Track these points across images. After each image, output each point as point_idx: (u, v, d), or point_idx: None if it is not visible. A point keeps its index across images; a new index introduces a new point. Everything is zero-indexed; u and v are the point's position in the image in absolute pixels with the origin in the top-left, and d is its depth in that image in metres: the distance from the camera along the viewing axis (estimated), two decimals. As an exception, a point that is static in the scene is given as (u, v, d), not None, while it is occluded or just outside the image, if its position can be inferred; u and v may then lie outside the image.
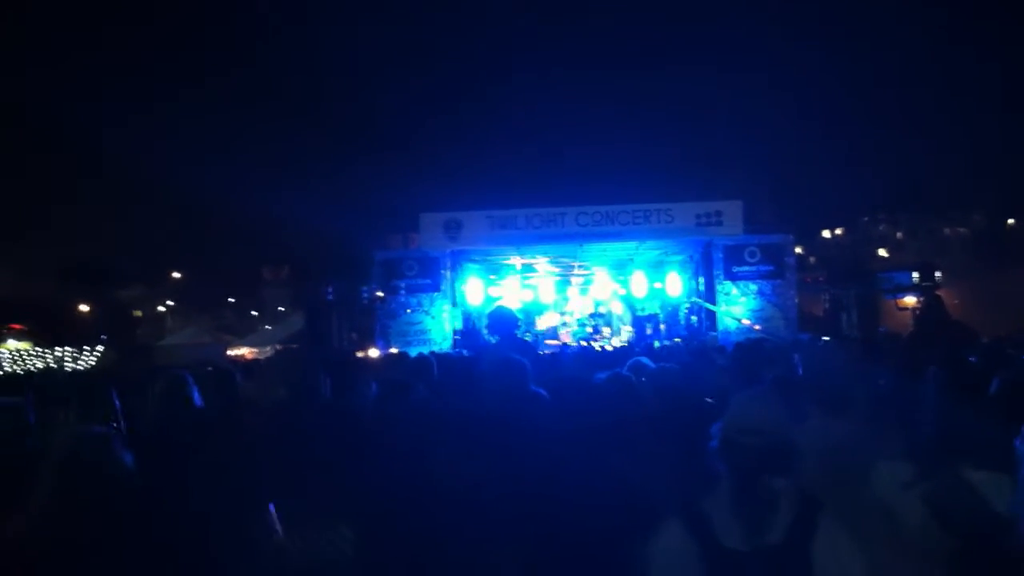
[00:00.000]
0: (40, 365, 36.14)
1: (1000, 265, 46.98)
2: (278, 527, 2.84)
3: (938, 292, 21.39)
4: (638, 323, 26.28)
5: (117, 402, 5.15)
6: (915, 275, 25.66)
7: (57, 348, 38.52)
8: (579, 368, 8.04)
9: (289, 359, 4.34)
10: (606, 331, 25.97)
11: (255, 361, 17.68)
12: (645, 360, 6.63)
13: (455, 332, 25.29)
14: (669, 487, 3.55)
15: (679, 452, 3.95)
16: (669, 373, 5.46)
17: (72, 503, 3.41)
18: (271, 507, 3.09)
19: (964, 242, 68.92)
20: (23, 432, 4.76)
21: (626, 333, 25.80)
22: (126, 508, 3.39)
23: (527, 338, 22.79)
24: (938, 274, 25.95)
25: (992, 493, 2.85)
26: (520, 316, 17.66)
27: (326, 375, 4.28)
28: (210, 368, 8.31)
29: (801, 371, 5.31)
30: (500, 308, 11.62)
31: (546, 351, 18.22)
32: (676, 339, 22.83)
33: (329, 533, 2.84)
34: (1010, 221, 65.26)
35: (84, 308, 54.03)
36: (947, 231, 74.14)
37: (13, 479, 3.66)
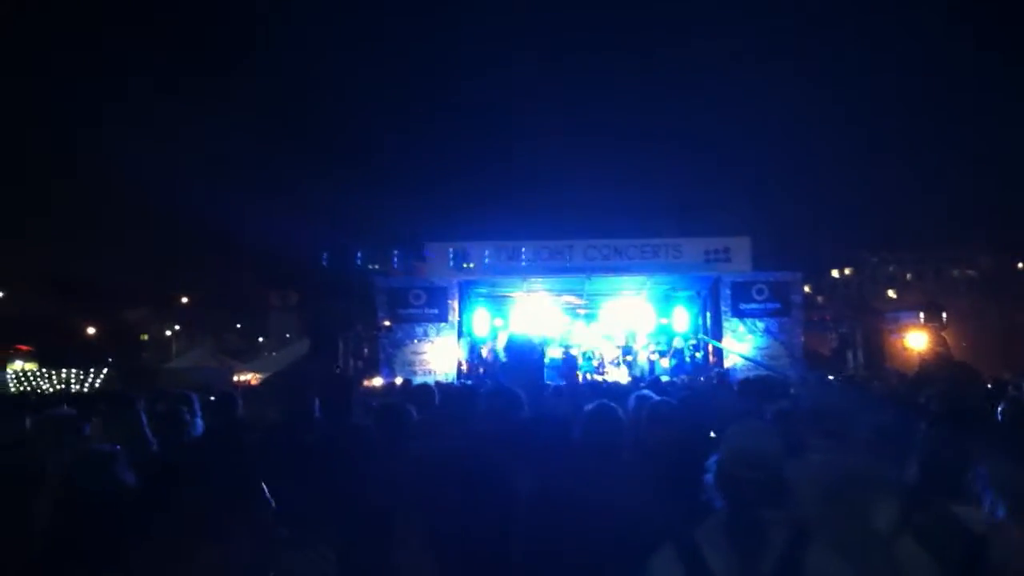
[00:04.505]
0: (46, 386, 36.16)
1: (1007, 307, 46.89)
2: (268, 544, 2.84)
3: (944, 332, 21.35)
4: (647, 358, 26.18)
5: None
6: (921, 315, 25.61)
7: (63, 369, 38.55)
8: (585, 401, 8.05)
9: (282, 382, 4.33)
10: (611, 365, 25.83)
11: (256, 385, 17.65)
12: (649, 393, 6.64)
13: (468, 362, 25.30)
14: (664, 517, 3.55)
15: (675, 483, 3.95)
16: (667, 406, 5.46)
17: (72, 520, 3.44)
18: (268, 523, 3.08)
19: (972, 284, 68.80)
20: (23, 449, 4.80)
21: (637, 366, 25.60)
22: (126, 525, 3.41)
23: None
24: (944, 315, 25.90)
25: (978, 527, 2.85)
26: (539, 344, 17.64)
27: (318, 398, 4.29)
28: (213, 392, 8.34)
29: (803, 406, 5.31)
30: (515, 335, 11.68)
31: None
32: (683, 376, 22.80)
33: (312, 553, 2.83)
34: (1020, 265, 65.16)
35: (91, 330, 54.18)
36: (955, 273, 74.05)
37: (18, 495, 3.69)
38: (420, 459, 3.58)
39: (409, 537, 2.93)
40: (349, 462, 3.20)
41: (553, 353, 25.04)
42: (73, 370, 38.61)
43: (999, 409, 4.83)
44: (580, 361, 25.31)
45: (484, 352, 25.20)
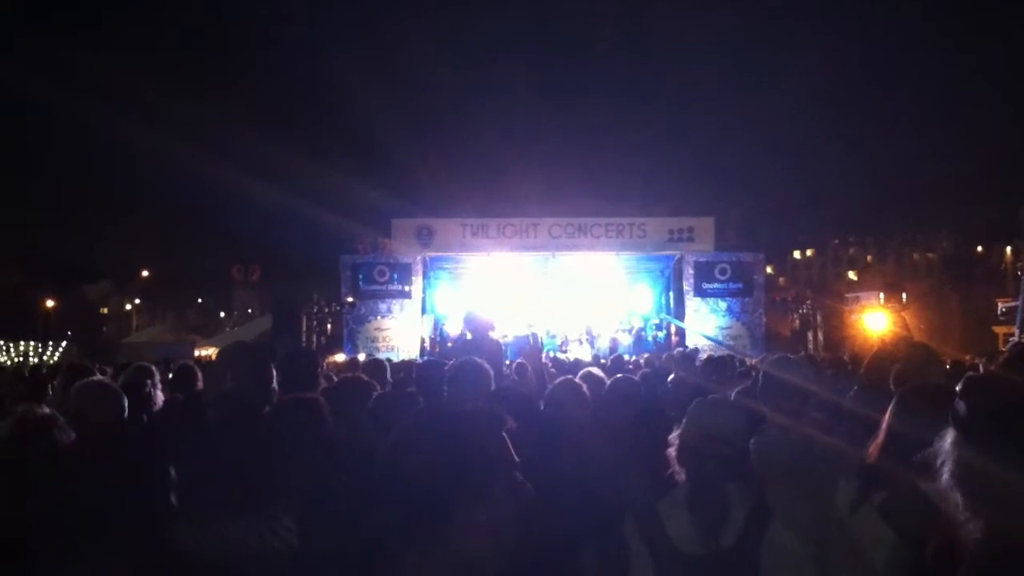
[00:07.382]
0: (3, 359, 35.76)
1: (967, 290, 47.51)
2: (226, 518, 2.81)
3: (903, 314, 21.60)
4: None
5: None
6: (881, 296, 25.89)
7: (21, 342, 38.12)
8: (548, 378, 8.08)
9: (237, 351, 4.25)
10: (575, 343, 25.82)
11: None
12: (595, 370, 6.68)
13: (431, 338, 25.32)
14: (626, 490, 3.56)
15: (637, 457, 3.97)
16: (627, 382, 5.48)
17: (14, 482, 3.40)
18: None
19: (932, 267, 69.57)
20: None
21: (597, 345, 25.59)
22: (65, 487, 3.37)
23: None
24: (903, 296, 26.20)
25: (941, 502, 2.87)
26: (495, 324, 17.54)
27: (279, 371, 4.24)
28: (172, 364, 8.28)
29: (764, 383, 5.35)
30: (474, 312, 11.67)
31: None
32: (644, 354, 22.82)
33: (272, 523, 2.81)
34: (980, 248, 65.92)
35: (50, 303, 53.54)
36: (916, 255, 74.82)
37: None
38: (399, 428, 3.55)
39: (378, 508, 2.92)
40: (308, 432, 3.17)
41: (516, 331, 25.06)
42: (31, 343, 38.21)
43: (957, 388, 4.87)
44: (543, 339, 25.31)
45: (448, 332, 25.17)
